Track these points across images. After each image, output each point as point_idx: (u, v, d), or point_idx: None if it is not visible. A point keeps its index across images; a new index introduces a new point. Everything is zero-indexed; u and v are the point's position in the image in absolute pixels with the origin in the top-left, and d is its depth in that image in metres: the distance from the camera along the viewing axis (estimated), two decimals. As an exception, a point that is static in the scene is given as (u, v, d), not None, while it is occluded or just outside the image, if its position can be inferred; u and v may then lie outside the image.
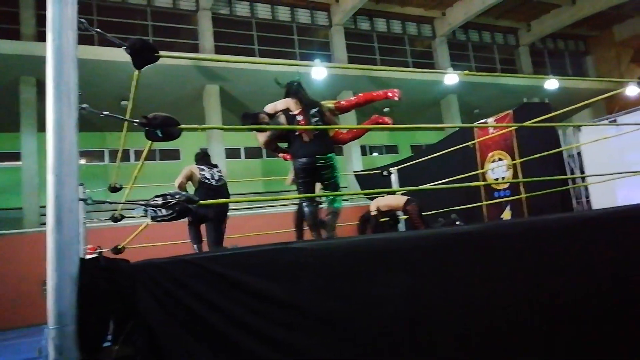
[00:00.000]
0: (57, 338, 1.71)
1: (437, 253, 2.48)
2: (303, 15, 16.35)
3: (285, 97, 4.38)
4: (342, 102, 4.44)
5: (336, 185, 4.27)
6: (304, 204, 4.46)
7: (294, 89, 4.33)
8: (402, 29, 18.13)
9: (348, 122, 12.40)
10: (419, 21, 18.33)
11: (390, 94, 4.30)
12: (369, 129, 4.70)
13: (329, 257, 2.26)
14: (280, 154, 4.73)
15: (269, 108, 4.42)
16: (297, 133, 4.19)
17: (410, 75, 15.53)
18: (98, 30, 2.16)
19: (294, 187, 4.77)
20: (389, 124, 4.42)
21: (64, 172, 1.79)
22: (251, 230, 8.51)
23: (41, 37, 11.46)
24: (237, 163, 17.29)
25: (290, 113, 4.22)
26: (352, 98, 4.37)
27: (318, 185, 4.57)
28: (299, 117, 4.18)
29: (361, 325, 2.21)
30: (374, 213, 6.71)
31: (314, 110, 4.18)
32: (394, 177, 7.86)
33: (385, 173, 8.26)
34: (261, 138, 4.42)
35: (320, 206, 4.62)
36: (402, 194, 6.99)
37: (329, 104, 4.41)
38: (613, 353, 2.76)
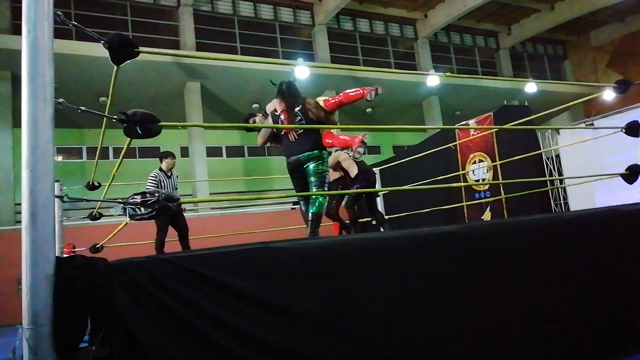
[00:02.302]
0: (31, 338, 1.67)
1: (421, 253, 2.49)
2: (286, 14, 16.30)
3: (276, 97, 4.39)
4: (330, 101, 4.32)
5: (320, 185, 4.14)
6: (301, 202, 4.43)
7: (280, 89, 4.31)
8: (384, 29, 18.21)
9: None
10: (401, 22, 18.43)
11: (364, 92, 4.19)
12: (346, 144, 4.75)
13: (310, 256, 2.25)
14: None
15: (266, 108, 4.50)
16: (282, 132, 4.24)
17: (392, 76, 15.61)
18: (75, 23, 2.11)
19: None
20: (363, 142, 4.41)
21: (38, 168, 1.75)
22: (232, 230, 8.46)
23: (17, 30, 11.20)
24: (218, 162, 17.16)
25: (276, 113, 4.29)
26: (336, 98, 4.30)
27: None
28: (282, 117, 4.23)
29: (345, 325, 2.20)
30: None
31: (297, 109, 4.18)
32: (376, 177, 7.88)
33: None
34: (258, 140, 4.56)
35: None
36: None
37: (319, 100, 4.33)
38: (593, 349, 2.81)
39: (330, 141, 4.93)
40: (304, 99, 4.28)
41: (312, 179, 4.13)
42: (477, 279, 2.59)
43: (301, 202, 4.43)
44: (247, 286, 2.06)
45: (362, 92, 4.22)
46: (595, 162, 9.09)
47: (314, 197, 4.10)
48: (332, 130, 4.71)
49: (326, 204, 4.43)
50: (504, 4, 17.90)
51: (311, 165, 4.13)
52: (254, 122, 4.71)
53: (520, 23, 19.72)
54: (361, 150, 4.37)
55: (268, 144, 4.62)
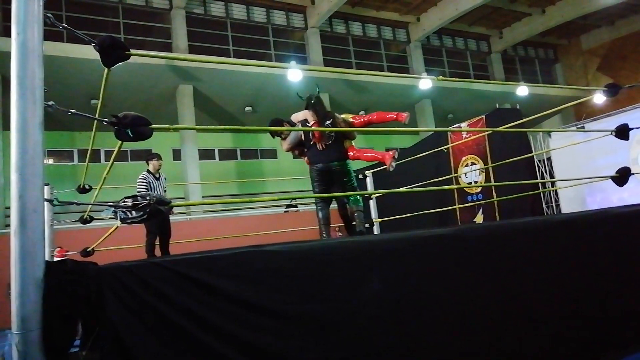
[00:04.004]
0: (21, 343, 1.65)
1: (413, 255, 2.49)
2: (279, 17, 16.31)
3: (305, 109, 4.81)
4: (357, 119, 4.84)
5: (354, 188, 4.74)
6: (318, 206, 4.80)
7: (312, 102, 4.79)
8: (377, 33, 18.27)
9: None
10: (394, 26, 18.50)
11: (399, 118, 4.64)
12: (374, 158, 5.03)
13: (303, 260, 2.25)
14: (305, 159, 5.06)
15: (293, 117, 4.84)
16: (312, 142, 4.67)
17: (385, 80, 15.66)
18: (65, 25, 2.10)
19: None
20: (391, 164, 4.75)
21: (28, 171, 1.73)
22: (225, 233, 8.43)
23: (7, 32, 11.12)
24: (211, 165, 17.11)
25: (307, 124, 4.65)
26: (366, 116, 4.80)
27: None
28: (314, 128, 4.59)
29: (338, 328, 2.20)
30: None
31: (328, 122, 4.60)
32: (369, 180, 7.89)
33: (360, 176, 8.28)
34: (284, 145, 4.94)
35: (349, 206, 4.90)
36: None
37: (348, 117, 4.83)
38: (588, 349, 2.82)
39: (353, 154, 5.01)
40: (333, 114, 4.76)
41: (346, 182, 4.67)
42: (469, 281, 2.59)
43: (319, 208, 4.74)
44: (240, 290, 2.05)
45: (395, 116, 4.67)
46: (586, 165, 9.16)
47: (353, 198, 4.68)
48: (353, 145, 4.97)
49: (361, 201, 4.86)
50: (495, 8, 18.03)
51: (342, 172, 4.65)
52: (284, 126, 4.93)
53: (512, 27, 19.88)
54: (394, 164, 4.69)
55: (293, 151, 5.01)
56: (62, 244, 6.82)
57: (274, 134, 4.96)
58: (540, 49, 22.60)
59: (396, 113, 4.67)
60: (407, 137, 20.02)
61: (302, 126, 4.69)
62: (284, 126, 4.83)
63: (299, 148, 4.95)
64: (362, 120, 4.80)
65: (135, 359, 1.82)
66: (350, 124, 4.78)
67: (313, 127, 4.54)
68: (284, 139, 4.89)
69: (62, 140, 15.20)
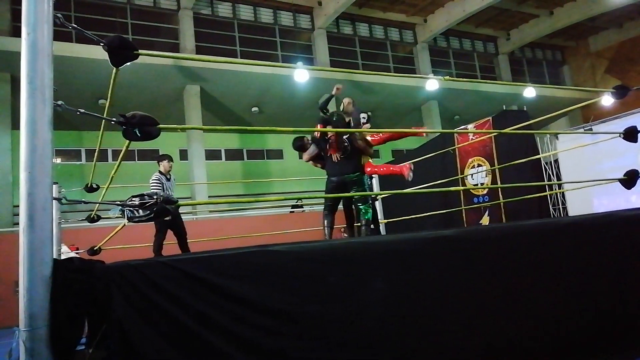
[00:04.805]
0: (28, 340, 1.67)
1: (417, 256, 2.49)
2: (286, 18, 16.33)
3: (325, 122, 5.03)
4: (375, 137, 5.17)
5: (365, 200, 4.92)
6: (325, 211, 5.01)
7: (334, 119, 4.99)
8: (384, 34, 18.25)
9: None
10: (401, 27, 18.48)
11: (419, 133, 5.08)
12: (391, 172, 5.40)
13: (307, 260, 2.25)
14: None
15: (315, 133, 5.15)
16: (328, 154, 4.94)
17: (391, 80, 15.64)
18: (75, 26, 2.12)
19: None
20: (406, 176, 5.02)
21: (37, 170, 1.75)
22: (231, 233, 8.44)
23: (16, 32, 11.20)
24: (217, 165, 17.15)
25: (326, 137, 4.92)
26: (383, 135, 5.20)
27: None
28: (331, 141, 4.88)
29: (342, 328, 2.20)
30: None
31: (345, 136, 4.86)
32: (374, 182, 7.89)
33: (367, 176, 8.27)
34: (304, 156, 5.25)
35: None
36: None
37: (366, 135, 5.09)
38: (595, 352, 2.81)
39: (370, 169, 5.31)
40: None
41: (359, 188, 4.86)
42: (474, 284, 2.58)
43: (325, 213, 4.97)
44: (245, 289, 2.06)
45: (415, 130, 5.07)
46: (593, 167, 9.11)
47: (363, 210, 4.89)
48: (370, 161, 5.25)
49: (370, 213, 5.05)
50: (503, 10, 17.96)
51: (354, 183, 4.83)
52: (308, 142, 5.27)
53: (519, 28, 19.79)
54: (412, 175, 4.97)
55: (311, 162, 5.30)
56: (69, 242, 6.86)
57: (298, 149, 5.36)
58: (548, 50, 22.49)
59: (415, 127, 4.84)
60: (414, 138, 19.96)
61: (321, 141, 4.98)
62: (305, 143, 5.22)
63: (320, 161, 5.25)
64: (379, 137, 5.13)
65: (142, 357, 1.83)
66: (369, 142, 5.08)
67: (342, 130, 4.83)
68: (305, 151, 5.25)
69: (70, 139, 15.30)
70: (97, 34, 2.13)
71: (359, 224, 4.98)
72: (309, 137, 5.31)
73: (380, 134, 5.22)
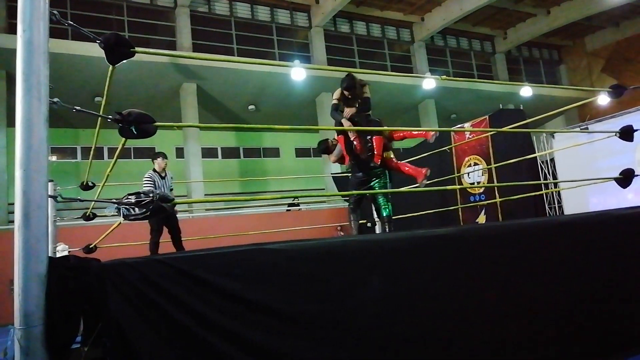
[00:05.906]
0: (23, 339, 1.66)
1: (413, 255, 2.49)
2: (283, 16, 16.30)
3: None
4: (396, 133, 5.38)
5: (385, 194, 5.03)
6: (351, 206, 5.15)
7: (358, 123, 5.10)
8: (381, 32, 18.25)
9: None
10: (398, 25, 18.48)
11: (427, 136, 5.28)
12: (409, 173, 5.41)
13: (304, 259, 2.25)
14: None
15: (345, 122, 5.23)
16: (355, 153, 5.03)
17: (388, 79, 15.63)
18: (71, 23, 2.11)
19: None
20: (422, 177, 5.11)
21: (32, 168, 1.74)
22: (227, 231, 8.44)
23: (12, 29, 11.16)
24: (213, 163, 17.13)
25: (350, 138, 5.03)
26: (402, 133, 5.49)
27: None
28: (355, 142, 4.99)
29: (338, 327, 2.20)
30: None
31: (368, 137, 4.99)
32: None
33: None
34: (331, 158, 5.43)
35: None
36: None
37: (386, 132, 5.20)
38: (591, 350, 2.82)
39: (393, 165, 5.37)
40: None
41: (380, 182, 4.98)
42: (471, 282, 2.59)
43: (351, 208, 5.11)
44: (241, 288, 2.06)
45: (423, 133, 5.36)
46: (589, 166, 9.14)
47: (384, 205, 5.01)
48: (393, 157, 5.32)
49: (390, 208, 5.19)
50: (500, 9, 17.98)
51: (379, 177, 4.96)
52: (332, 144, 5.41)
53: (516, 27, 19.83)
54: (426, 182, 5.08)
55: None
56: (64, 240, 6.83)
57: (323, 152, 5.50)
58: (545, 49, 22.54)
59: (425, 130, 5.10)
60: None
61: (342, 135, 5.06)
62: (330, 145, 5.35)
63: (342, 160, 5.37)
64: (400, 135, 5.40)
65: (137, 355, 1.83)
66: (390, 138, 5.24)
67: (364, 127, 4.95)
68: (330, 153, 5.39)
69: (66, 137, 15.25)
70: (93, 31, 2.12)
71: (384, 223, 5.09)
72: (332, 139, 5.42)
73: (402, 133, 5.47)
